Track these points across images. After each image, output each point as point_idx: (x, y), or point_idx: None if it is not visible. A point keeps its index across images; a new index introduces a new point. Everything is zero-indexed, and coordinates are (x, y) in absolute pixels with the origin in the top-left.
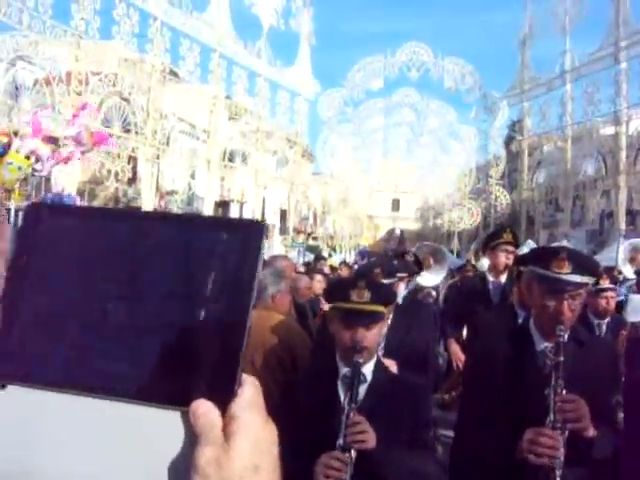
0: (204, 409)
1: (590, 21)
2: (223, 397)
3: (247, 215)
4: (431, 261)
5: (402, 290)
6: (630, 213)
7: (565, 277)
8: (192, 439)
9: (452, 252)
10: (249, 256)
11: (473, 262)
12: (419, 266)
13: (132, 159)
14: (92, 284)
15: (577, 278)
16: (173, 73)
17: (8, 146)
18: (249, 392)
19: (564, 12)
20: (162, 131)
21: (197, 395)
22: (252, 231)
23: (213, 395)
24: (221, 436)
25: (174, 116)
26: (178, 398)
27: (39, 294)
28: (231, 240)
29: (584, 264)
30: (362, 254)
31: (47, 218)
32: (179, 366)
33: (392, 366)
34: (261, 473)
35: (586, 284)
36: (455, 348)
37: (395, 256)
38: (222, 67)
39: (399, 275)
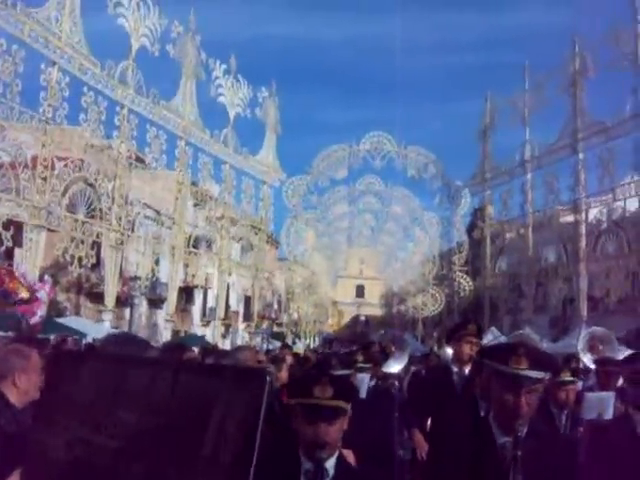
0: None
1: (549, 113)
2: None
3: (210, 301)
4: (392, 348)
5: (366, 380)
6: (591, 299)
7: (522, 372)
8: None
9: (416, 338)
10: (251, 410)
11: (436, 350)
12: (385, 355)
13: (96, 244)
14: (100, 432)
15: (534, 374)
16: (139, 159)
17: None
18: None
19: (523, 104)
20: (127, 217)
21: None
22: (255, 381)
23: None
24: None
25: (139, 202)
26: None
27: (55, 437)
28: (234, 391)
29: (541, 360)
30: (327, 340)
31: (71, 364)
32: None
33: (349, 455)
34: None
35: (543, 379)
36: (419, 438)
37: (361, 347)
38: (188, 154)
39: (361, 366)
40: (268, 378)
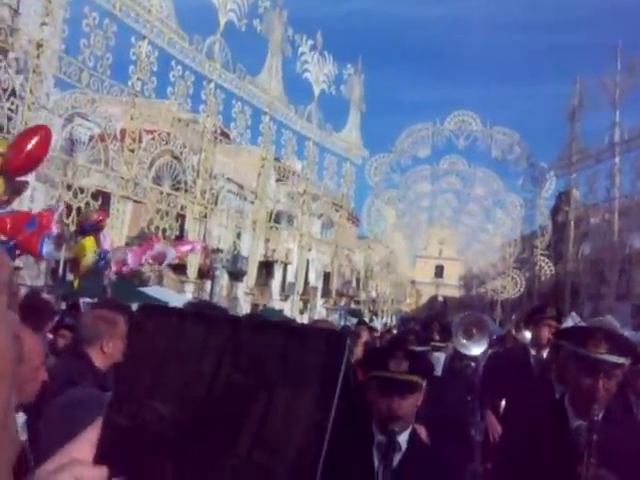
0: None
1: None
2: None
3: (290, 276)
4: (474, 331)
5: (442, 359)
6: None
7: (601, 357)
8: None
9: (495, 321)
10: (329, 370)
11: (514, 333)
12: (447, 334)
13: (180, 217)
14: (179, 390)
15: (613, 358)
16: (224, 134)
17: (98, 223)
18: None
19: (614, 85)
20: (211, 191)
21: None
22: (334, 341)
23: None
24: None
25: (223, 176)
26: None
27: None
28: (311, 350)
29: (620, 345)
30: (404, 320)
31: (153, 319)
32: None
33: (421, 431)
34: None
35: (622, 365)
36: (492, 419)
37: (422, 325)
38: (272, 130)
39: (437, 344)
40: (348, 340)
